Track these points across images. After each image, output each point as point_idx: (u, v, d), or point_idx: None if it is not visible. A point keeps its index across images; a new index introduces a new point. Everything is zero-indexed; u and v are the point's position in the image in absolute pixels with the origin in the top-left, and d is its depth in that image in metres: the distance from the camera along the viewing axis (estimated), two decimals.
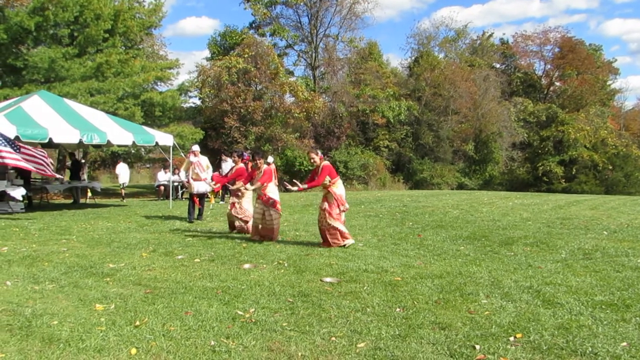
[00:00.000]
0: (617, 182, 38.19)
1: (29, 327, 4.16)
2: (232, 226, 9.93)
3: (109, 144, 14.23)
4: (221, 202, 16.87)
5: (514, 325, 4.18)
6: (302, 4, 33.16)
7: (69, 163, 18.17)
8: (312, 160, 8.18)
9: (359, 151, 32.55)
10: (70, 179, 16.74)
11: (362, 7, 34.52)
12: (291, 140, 27.95)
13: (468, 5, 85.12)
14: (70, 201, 17.17)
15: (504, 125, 37.80)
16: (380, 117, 33.31)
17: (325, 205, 7.97)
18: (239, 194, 9.65)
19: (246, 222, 9.57)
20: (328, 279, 5.75)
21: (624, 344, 3.75)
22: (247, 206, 9.65)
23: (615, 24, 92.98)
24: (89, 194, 17.91)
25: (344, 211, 8.11)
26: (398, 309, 4.63)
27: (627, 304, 4.71)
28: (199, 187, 11.47)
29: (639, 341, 3.79)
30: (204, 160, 11.72)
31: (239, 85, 26.83)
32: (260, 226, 8.62)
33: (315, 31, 34.09)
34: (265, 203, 8.57)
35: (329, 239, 7.91)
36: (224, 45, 33.59)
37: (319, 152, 8.19)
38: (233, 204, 9.74)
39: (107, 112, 16.36)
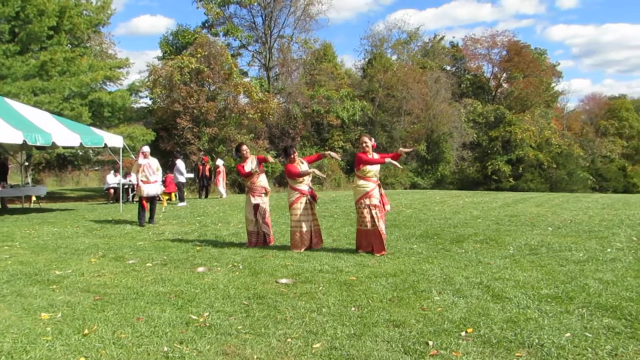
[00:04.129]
0: (560, 179, 39.84)
1: None
2: (258, 238, 8.19)
3: (54, 145, 13.69)
4: (181, 204, 16.52)
5: (465, 320, 4.29)
6: (255, 4, 33.00)
7: None
8: (364, 145, 7.28)
9: (314, 152, 32.61)
10: None
11: (316, 8, 34.71)
12: (245, 142, 27.71)
13: (423, 9, 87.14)
14: (18, 206, 16.42)
15: (454, 126, 38.79)
16: (334, 117, 33.50)
17: (377, 201, 7.20)
18: (265, 192, 8.30)
19: (269, 228, 8.29)
20: (283, 280, 5.73)
21: (568, 334, 3.91)
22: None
23: (560, 29, 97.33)
24: (34, 198, 17.20)
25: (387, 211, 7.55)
26: (353, 308, 4.67)
27: (571, 297, 4.91)
28: (148, 190, 11.19)
29: (581, 332, 3.96)
30: (154, 162, 11.45)
31: (192, 85, 26.40)
32: (312, 231, 7.71)
33: (269, 32, 33.98)
34: (314, 198, 7.79)
35: (381, 245, 7.20)
36: (176, 45, 32.97)
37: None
38: (257, 206, 8.18)
39: (52, 112, 15.76)
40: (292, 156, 7.80)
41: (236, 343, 3.86)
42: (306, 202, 7.70)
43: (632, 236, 8.59)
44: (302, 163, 7.91)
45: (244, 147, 8.42)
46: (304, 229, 7.64)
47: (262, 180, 8.32)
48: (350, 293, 5.17)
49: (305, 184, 7.76)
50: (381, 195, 7.36)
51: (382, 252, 7.18)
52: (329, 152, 8.29)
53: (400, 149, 7.50)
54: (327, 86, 34.57)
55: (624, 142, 54.03)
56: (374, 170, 7.30)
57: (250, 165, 8.29)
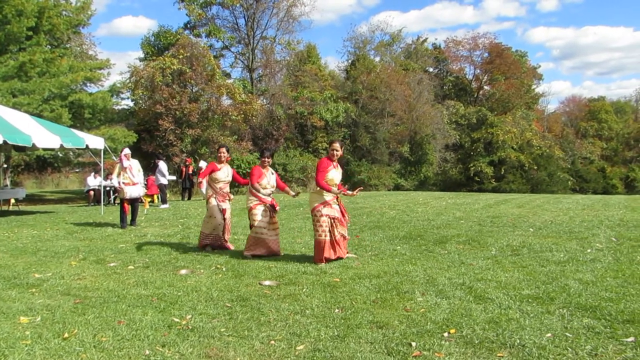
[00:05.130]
0: (541, 181, 40.37)
1: None
2: (218, 242, 8.05)
3: (33, 147, 13.48)
4: (163, 206, 16.39)
5: (448, 321, 4.31)
6: (238, 5, 32.87)
7: None
8: (334, 152, 6.88)
9: (298, 153, 32.60)
10: None
11: (298, 10, 34.71)
12: (229, 143, 27.59)
13: (406, 11, 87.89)
14: None
15: (437, 128, 39.03)
16: (318, 119, 33.51)
17: (336, 213, 6.86)
18: (229, 198, 8.22)
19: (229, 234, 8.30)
20: (267, 282, 5.72)
21: (549, 334, 3.96)
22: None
23: (540, 31, 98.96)
24: (12, 200, 16.91)
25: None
26: (337, 310, 4.67)
27: (552, 297, 4.97)
28: (131, 191, 11.07)
29: (562, 332, 4.01)
30: (136, 164, 11.33)
31: (174, 86, 26.20)
32: (267, 238, 7.35)
33: (252, 33, 33.88)
34: (274, 206, 7.47)
35: (345, 248, 7.04)
36: (158, 46, 32.74)
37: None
38: (225, 211, 8.07)
39: (31, 114, 15.51)
40: (265, 159, 7.52)
41: (219, 346, 3.84)
42: (264, 210, 7.37)
43: (612, 237, 8.73)
44: (272, 174, 7.63)
45: (223, 149, 8.21)
46: (262, 235, 7.30)
47: (227, 188, 8.20)
48: (333, 295, 5.17)
49: (266, 194, 7.42)
50: (340, 205, 6.97)
51: (346, 254, 6.99)
52: (293, 193, 7.68)
53: (349, 192, 6.94)
54: (311, 87, 34.58)
55: (603, 144, 54.99)
56: (335, 179, 6.88)
57: (224, 173, 8.08)
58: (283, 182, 7.97)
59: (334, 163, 6.96)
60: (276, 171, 7.85)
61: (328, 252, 6.72)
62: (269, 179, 7.48)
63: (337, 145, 6.96)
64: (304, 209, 14.32)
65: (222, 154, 8.16)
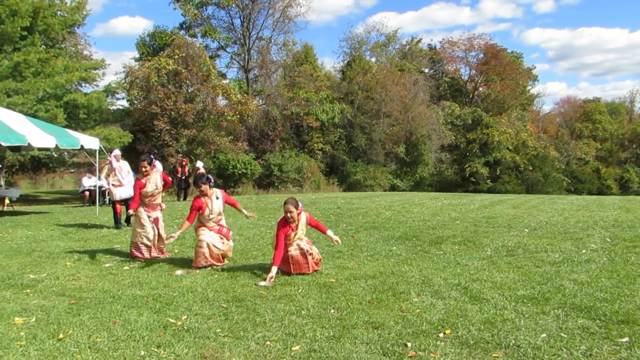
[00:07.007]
0: (536, 181, 40.49)
1: None
2: (151, 251, 7.49)
3: (29, 147, 13.43)
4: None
5: (444, 321, 4.32)
6: (234, 5, 32.85)
7: None
8: (289, 214, 6.14)
9: (294, 154, 32.57)
10: None
11: (294, 10, 34.71)
12: (224, 144, 27.58)
13: (403, 11, 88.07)
14: None
15: (432, 128, 39.08)
16: (314, 120, 33.51)
17: (306, 246, 6.24)
18: (161, 208, 7.78)
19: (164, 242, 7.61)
20: (262, 283, 5.71)
21: (544, 335, 3.97)
22: None
23: (536, 32, 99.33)
24: (7, 201, 16.82)
25: None
26: (332, 310, 4.67)
27: (547, 297, 4.99)
28: (121, 193, 11.01)
29: (557, 332, 4.03)
30: (125, 165, 11.31)
31: (169, 87, 26.16)
32: (217, 250, 6.76)
33: (247, 33, 33.86)
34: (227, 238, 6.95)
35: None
36: (153, 46, 32.71)
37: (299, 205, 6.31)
38: (157, 220, 7.60)
39: (26, 114, 15.44)
40: (204, 187, 6.69)
41: (215, 346, 3.83)
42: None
43: (606, 237, 8.77)
44: (218, 199, 6.81)
45: (144, 162, 7.58)
46: (207, 245, 6.66)
47: (159, 198, 7.74)
48: (329, 295, 5.17)
49: (214, 222, 6.78)
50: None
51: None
52: (247, 214, 7.07)
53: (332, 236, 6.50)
54: (307, 88, 34.57)
55: (598, 145, 55.17)
56: (299, 233, 6.25)
57: (152, 185, 7.55)
58: (233, 199, 7.21)
59: (293, 225, 6.22)
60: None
61: (304, 266, 6.16)
62: (211, 208, 6.71)
63: (288, 207, 6.15)
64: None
65: (142, 168, 7.56)
